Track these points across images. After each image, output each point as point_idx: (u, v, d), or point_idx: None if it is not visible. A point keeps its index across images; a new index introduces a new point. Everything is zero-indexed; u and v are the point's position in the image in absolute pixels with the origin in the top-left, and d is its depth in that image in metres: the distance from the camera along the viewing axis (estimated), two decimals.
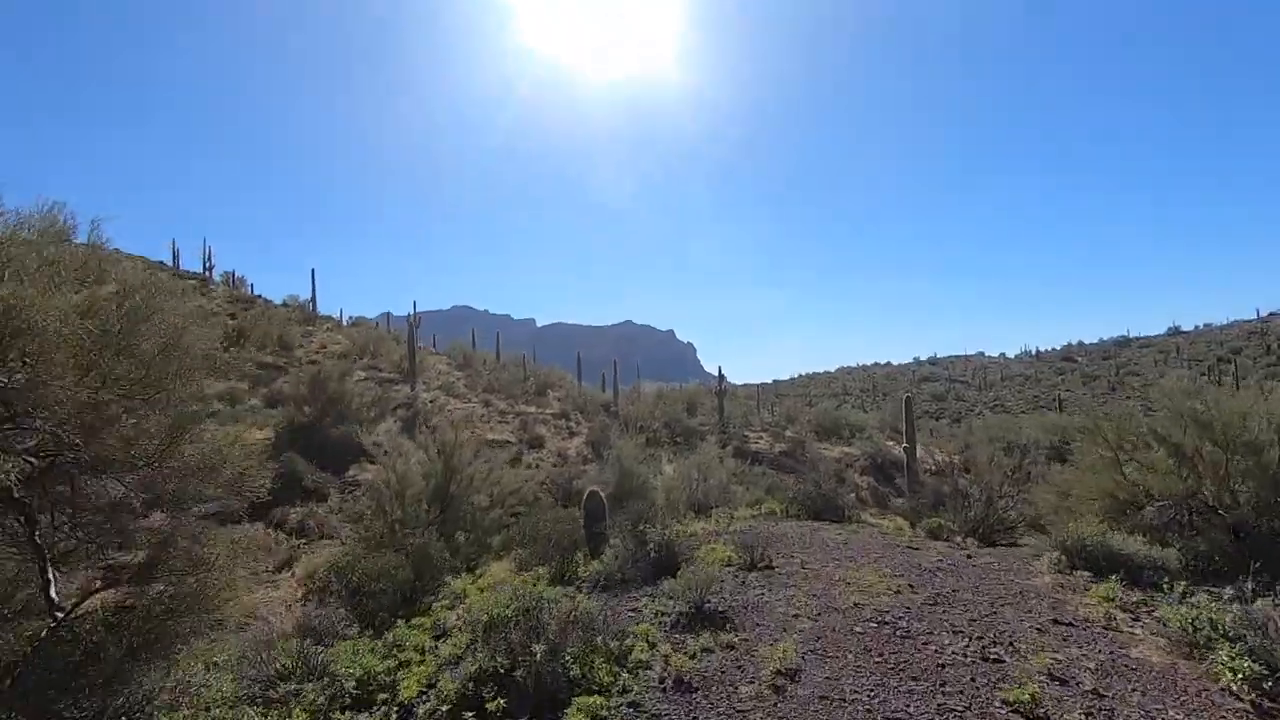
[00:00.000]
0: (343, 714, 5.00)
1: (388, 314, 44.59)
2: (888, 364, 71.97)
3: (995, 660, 5.17)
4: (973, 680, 4.84)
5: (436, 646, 6.32)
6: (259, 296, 37.86)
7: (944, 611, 6.40)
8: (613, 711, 4.60)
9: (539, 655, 4.91)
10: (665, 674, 5.13)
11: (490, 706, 4.66)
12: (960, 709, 4.42)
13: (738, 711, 4.53)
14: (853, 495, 22.43)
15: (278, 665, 6.02)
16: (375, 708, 5.15)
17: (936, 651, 5.35)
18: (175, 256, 38.12)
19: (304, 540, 15.81)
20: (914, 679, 4.88)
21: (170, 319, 5.74)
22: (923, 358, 69.46)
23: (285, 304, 38.07)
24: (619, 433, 26.37)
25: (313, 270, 37.59)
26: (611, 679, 4.96)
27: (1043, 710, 4.36)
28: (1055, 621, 6.09)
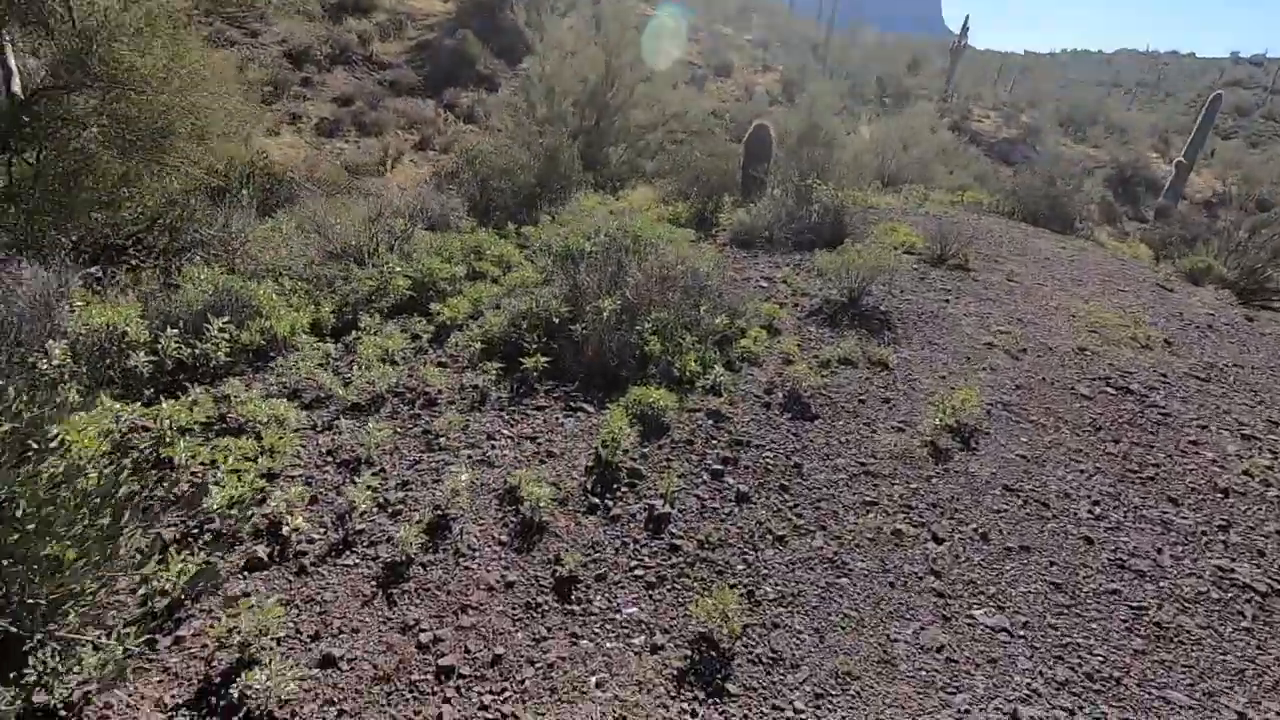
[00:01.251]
0: (374, 317, 3.91)
1: None
2: (1189, 55, 54.10)
3: None
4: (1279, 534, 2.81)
5: (520, 265, 5.03)
6: None
7: (1223, 396, 4.10)
8: (682, 420, 3.09)
9: (606, 313, 3.35)
10: (777, 383, 3.46)
11: (528, 363, 3.31)
12: (1260, 590, 2.49)
13: (867, 472, 2.87)
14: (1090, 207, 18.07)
15: (349, 242, 5.00)
16: (415, 317, 4.00)
17: (1214, 462, 3.24)
18: None
19: (472, 126, 14.90)
20: (1172, 500, 2.91)
21: None
22: (1243, 54, 51.27)
23: None
24: (819, 76, 22.15)
25: None
26: (699, 370, 3.38)
27: None
28: None
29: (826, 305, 4.59)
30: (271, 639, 1.95)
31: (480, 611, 2.16)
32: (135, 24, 3.79)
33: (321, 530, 2.41)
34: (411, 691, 1.92)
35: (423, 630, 2.09)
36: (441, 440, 2.91)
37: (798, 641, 2.14)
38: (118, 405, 2.52)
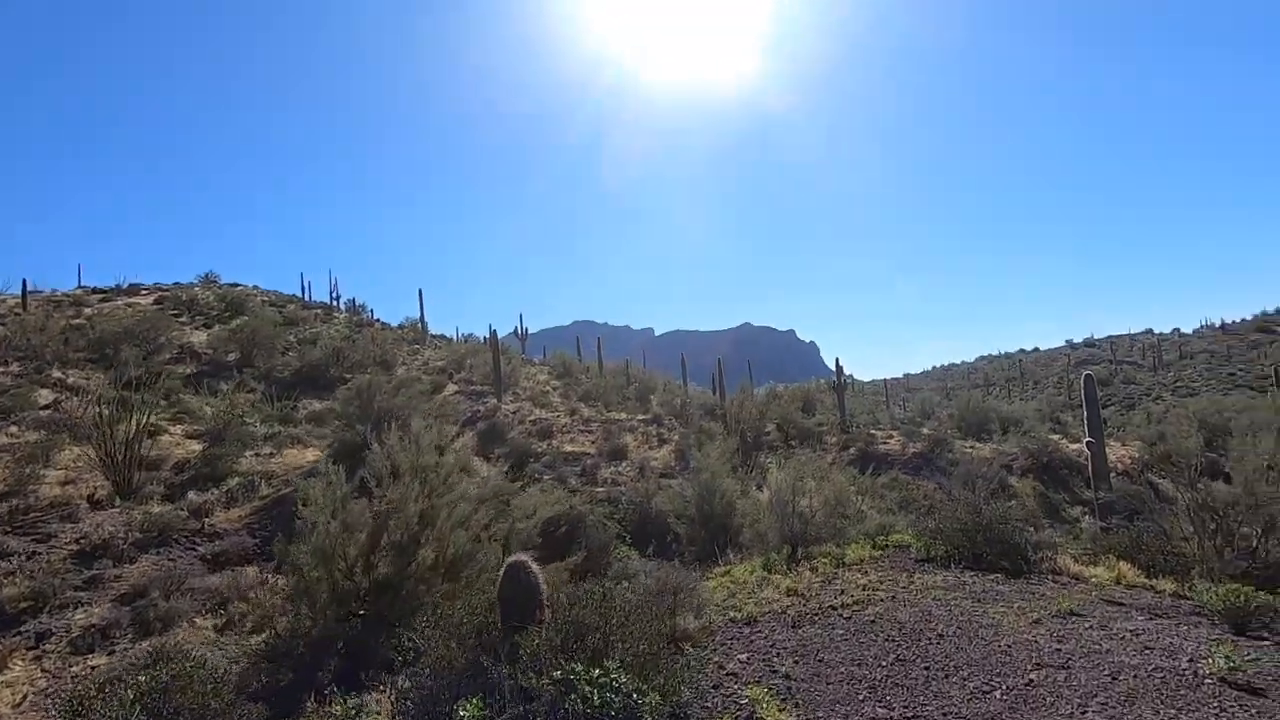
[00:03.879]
0: None
1: (494, 330, 41.94)
2: (1035, 350, 59.72)
3: None
4: None
5: None
6: (376, 320, 36.32)
7: None
8: None
9: None
10: None
11: None
12: None
13: None
14: (1015, 502, 15.68)
15: None
16: None
17: None
18: (305, 289, 37.46)
19: None
20: None
21: None
22: (1077, 340, 56.84)
23: (401, 326, 36.31)
24: (723, 437, 21.10)
25: (420, 291, 35.56)
26: None
27: None
28: None
29: None
30: None
31: None
32: None
33: None
34: None
35: None
36: None
37: None
38: None
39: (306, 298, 36.87)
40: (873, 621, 5.20)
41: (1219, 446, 18.05)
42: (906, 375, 67.91)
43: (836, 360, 29.42)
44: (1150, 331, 56.62)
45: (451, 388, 26.47)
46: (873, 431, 25.21)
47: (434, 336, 37.08)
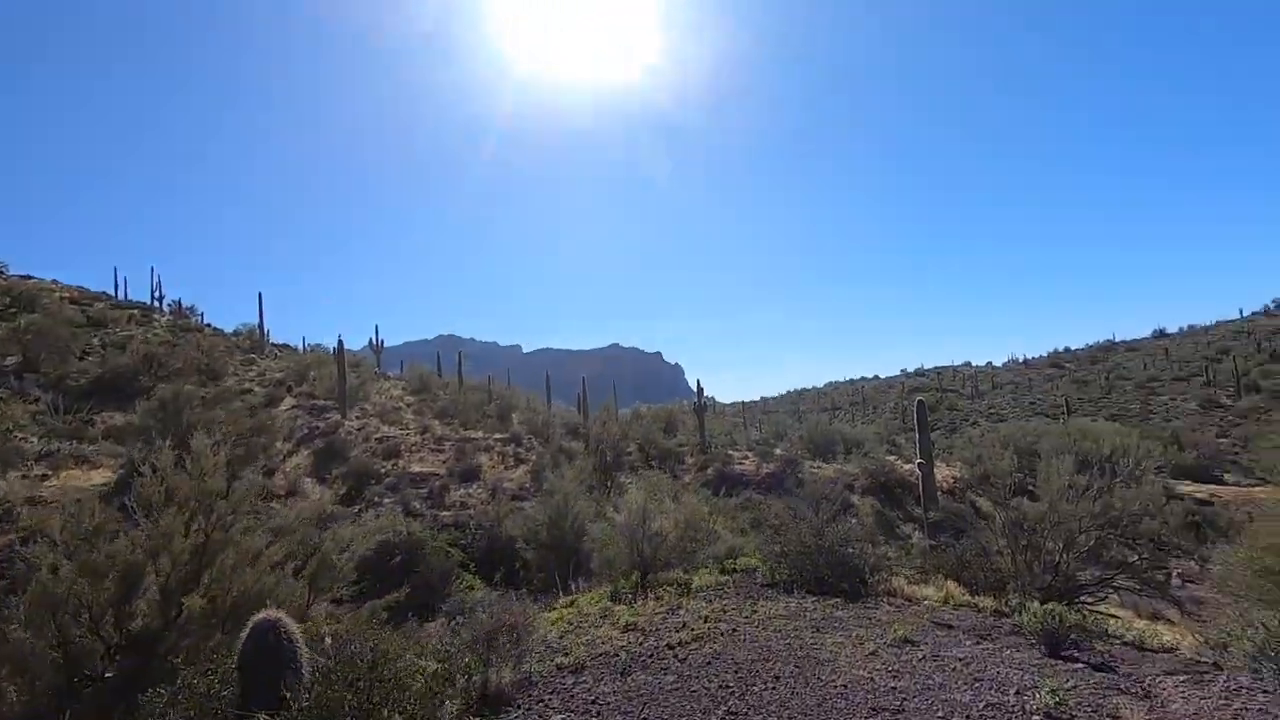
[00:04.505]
0: None
1: (340, 339, 38.70)
2: (875, 377, 65.11)
3: None
4: None
5: None
6: (207, 325, 32.13)
7: None
8: None
9: None
10: None
11: None
12: None
13: None
14: (856, 520, 16.31)
15: None
16: None
17: None
18: (119, 286, 32.46)
19: None
20: None
21: None
22: (910, 369, 62.79)
23: (235, 333, 32.39)
24: (583, 456, 20.37)
25: (259, 295, 31.86)
26: None
27: None
28: None
29: None
30: None
31: None
32: None
33: None
34: None
35: None
36: None
37: None
38: None
39: (121, 296, 31.93)
40: (709, 663, 4.70)
41: (1026, 467, 19.98)
42: (764, 398, 71.23)
43: (698, 382, 29.81)
44: (969, 364, 63.68)
45: (289, 401, 23.80)
46: (730, 452, 25.63)
47: (276, 346, 33.44)
